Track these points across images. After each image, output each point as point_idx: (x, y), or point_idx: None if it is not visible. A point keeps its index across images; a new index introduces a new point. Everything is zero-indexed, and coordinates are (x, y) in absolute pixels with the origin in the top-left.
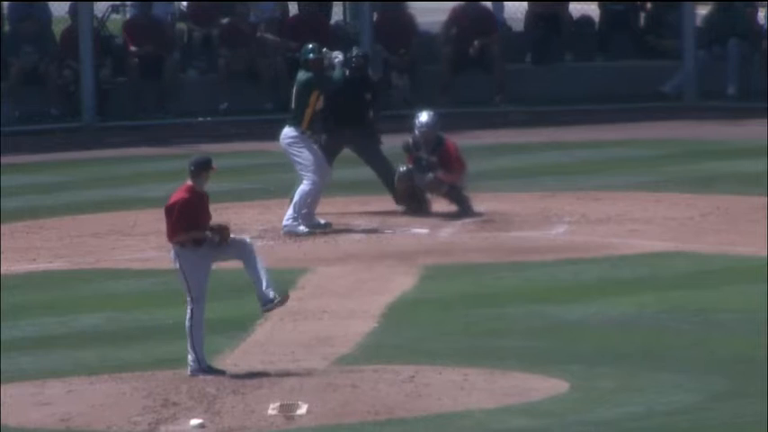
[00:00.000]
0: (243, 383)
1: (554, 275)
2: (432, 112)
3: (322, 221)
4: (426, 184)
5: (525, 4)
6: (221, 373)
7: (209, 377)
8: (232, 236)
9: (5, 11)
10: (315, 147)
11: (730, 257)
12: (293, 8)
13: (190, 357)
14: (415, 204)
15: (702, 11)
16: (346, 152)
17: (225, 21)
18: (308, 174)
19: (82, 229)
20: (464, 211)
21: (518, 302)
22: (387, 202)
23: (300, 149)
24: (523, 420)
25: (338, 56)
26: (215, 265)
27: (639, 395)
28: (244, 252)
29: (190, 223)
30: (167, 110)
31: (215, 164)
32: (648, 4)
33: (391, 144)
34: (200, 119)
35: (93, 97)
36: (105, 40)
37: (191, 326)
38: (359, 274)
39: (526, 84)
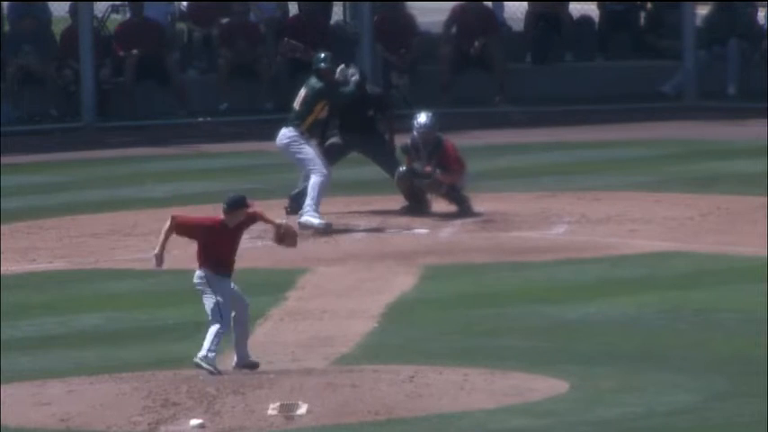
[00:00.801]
0: (243, 383)
1: (554, 275)
2: (430, 113)
3: (324, 220)
4: (426, 184)
5: (525, 4)
6: (219, 373)
7: (209, 377)
8: (234, 287)
9: (5, 11)
10: (312, 147)
11: (730, 257)
12: (293, 8)
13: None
14: (414, 203)
15: (702, 11)
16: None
17: (225, 21)
18: (316, 167)
19: (82, 230)
20: (464, 211)
21: (518, 302)
22: (387, 202)
23: (300, 146)
24: (523, 420)
25: (354, 73)
26: None
27: (639, 395)
28: (241, 306)
29: (208, 254)
30: (177, 110)
31: (250, 202)
32: (648, 4)
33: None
34: (200, 119)
35: (93, 97)
36: (105, 41)
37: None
38: (359, 274)
39: (526, 84)
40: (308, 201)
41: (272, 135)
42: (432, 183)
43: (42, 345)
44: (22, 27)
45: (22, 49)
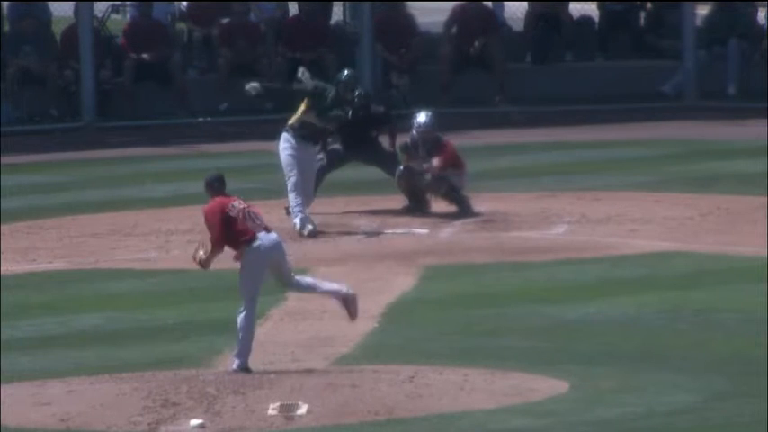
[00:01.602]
0: (243, 383)
1: (554, 275)
2: (430, 113)
3: (310, 227)
4: (426, 183)
5: (525, 4)
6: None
7: (209, 377)
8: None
9: (5, 11)
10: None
11: (730, 257)
12: (293, 8)
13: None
14: (414, 203)
15: (702, 11)
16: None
17: (225, 21)
18: (288, 172)
19: (82, 230)
20: (464, 211)
21: (518, 302)
22: (387, 202)
23: (283, 150)
24: (523, 420)
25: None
26: (216, 265)
27: (639, 395)
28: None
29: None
30: (177, 110)
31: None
32: (648, 4)
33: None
34: (201, 119)
35: (93, 97)
36: (105, 41)
37: (245, 325)
38: (359, 275)
39: (526, 84)
40: (291, 206)
41: (272, 135)
42: (432, 182)
43: (42, 345)
44: (22, 27)
45: (22, 49)
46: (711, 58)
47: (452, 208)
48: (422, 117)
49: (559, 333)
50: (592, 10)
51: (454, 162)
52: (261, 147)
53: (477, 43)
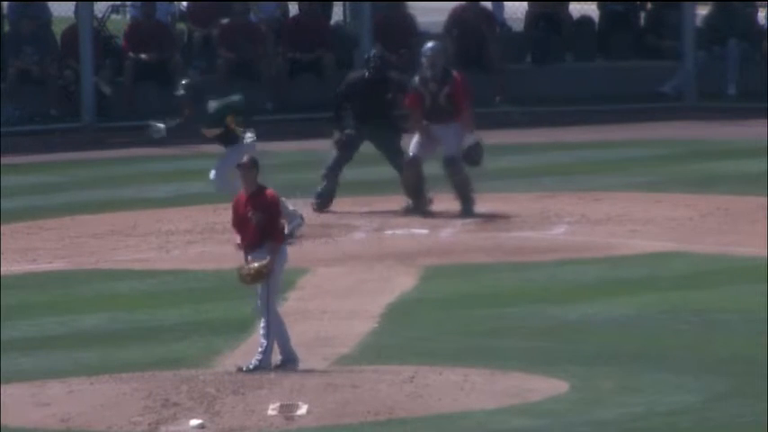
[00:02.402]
0: (243, 383)
1: (554, 275)
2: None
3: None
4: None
5: (525, 4)
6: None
7: (209, 377)
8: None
9: (5, 11)
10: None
11: (730, 257)
12: (293, 8)
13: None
14: (415, 197)
15: (702, 11)
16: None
17: (225, 21)
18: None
19: (82, 230)
20: (467, 210)
21: (518, 302)
22: (387, 203)
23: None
24: (523, 420)
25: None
26: (216, 265)
27: (639, 395)
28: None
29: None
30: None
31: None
32: (648, 4)
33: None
34: None
35: (93, 97)
36: (105, 41)
37: (270, 322)
38: (359, 275)
39: (526, 84)
40: None
41: (270, 135)
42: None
43: (42, 345)
44: (22, 27)
45: (22, 49)
46: (711, 59)
47: (452, 208)
48: (429, 44)
49: (559, 333)
50: (592, 10)
51: (465, 89)
52: (261, 147)
53: (476, 44)
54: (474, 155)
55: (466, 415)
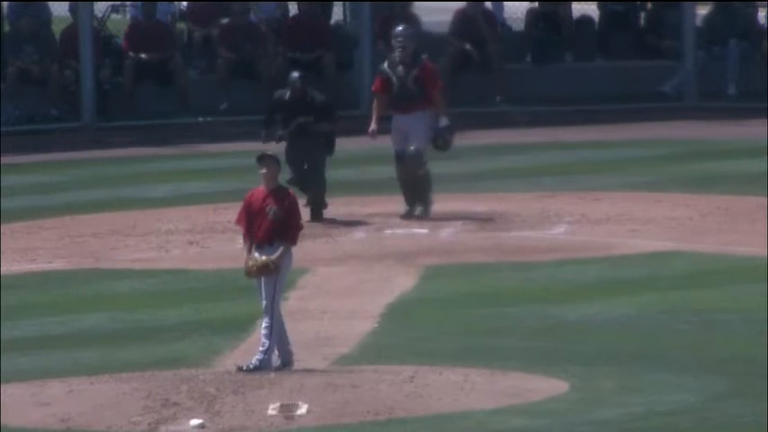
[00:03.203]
0: (243, 383)
1: (554, 275)
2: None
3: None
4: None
5: (525, 4)
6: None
7: (209, 377)
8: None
9: (5, 11)
10: None
11: (730, 257)
12: (293, 8)
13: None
14: (413, 199)
15: (702, 11)
16: (344, 153)
17: (225, 21)
18: None
19: (82, 229)
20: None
21: (518, 302)
22: (387, 202)
23: None
24: (523, 420)
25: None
26: (217, 265)
27: (639, 395)
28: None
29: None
30: (177, 110)
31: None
32: (648, 4)
33: (382, 143)
34: (200, 119)
35: (93, 97)
36: (105, 40)
37: (273, 322)
38: (359, 275)
39: (526, 84)
40: None
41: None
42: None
43: (42, 345)
44: (21, 27)
45: (22, 49)
46: (711, 59)
47: (452, 208)
48: (399, 27)
49: (559, 333)
50: (592, 10)
51: (434, 74)
52: (260, 147)
53: (476, 44)
54: (442, 140)
55: (466, 415)
